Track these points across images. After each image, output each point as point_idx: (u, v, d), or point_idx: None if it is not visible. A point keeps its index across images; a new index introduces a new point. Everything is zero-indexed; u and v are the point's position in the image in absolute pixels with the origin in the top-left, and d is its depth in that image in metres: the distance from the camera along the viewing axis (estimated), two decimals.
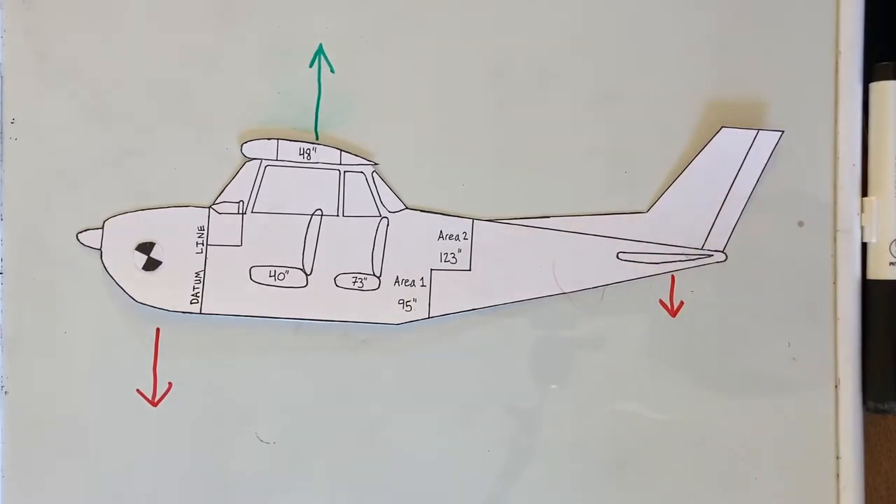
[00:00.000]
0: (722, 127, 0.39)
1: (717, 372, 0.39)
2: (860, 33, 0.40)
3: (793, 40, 0.40)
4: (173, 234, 0.39)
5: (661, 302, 0.40)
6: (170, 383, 0.39)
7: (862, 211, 0.40)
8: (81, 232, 0.39)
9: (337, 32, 0.39)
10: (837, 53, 0.40)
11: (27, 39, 0.39)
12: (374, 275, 0.39)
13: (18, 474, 0.39)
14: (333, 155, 0.39)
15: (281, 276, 0.39)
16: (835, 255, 0.40)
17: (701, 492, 0.39)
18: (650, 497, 0.40)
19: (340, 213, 0.39)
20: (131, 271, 0.39)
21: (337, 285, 0.39)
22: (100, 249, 0.39)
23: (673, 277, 0.39)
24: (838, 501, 0.39)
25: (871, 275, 0.39)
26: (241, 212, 0.39)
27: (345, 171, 0.39)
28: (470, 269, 0.39)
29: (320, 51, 0.39)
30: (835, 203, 0.40)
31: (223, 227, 0.39)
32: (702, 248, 0.39)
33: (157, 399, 0.39)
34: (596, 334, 0.40)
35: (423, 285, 0.39)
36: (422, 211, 0.39)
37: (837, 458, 0.39)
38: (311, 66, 0.39)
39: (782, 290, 0.39)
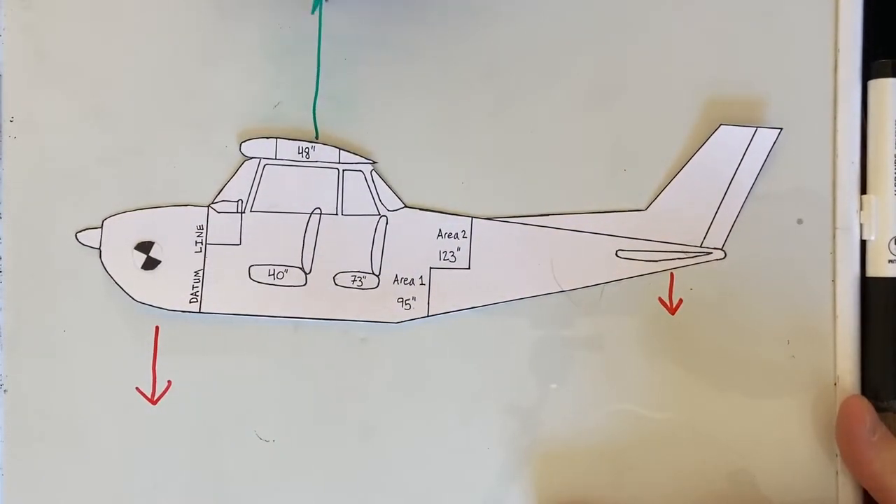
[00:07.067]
0: (720, 124, 0.39)
1: (716, 369, 0.39)
2: (859, 30, 0.40)
3: (791, 37, 0.40)
4: (172, 233, 0.39)
5: (661, 300, 0.40)
6: (169, 381, 0.39)
7: (861, 208, 0.40)
8: (80, 231, 0.39)
9: (336, 31, 0.39)
10: (836, 51, 0.40)
11: (26, 38, 0.39)
12: (373, 273, 0.39)
13: (18, 472, 0.39)
14: (332, 153, 0.39)
15: (280, 275, 0.39)
16: (833, 253, 0.40)
17: (699, 489, 0.39)
18: (649, 495, 0.39)
19: (339, 212, 0.39)
20: (130, 270, 0.39)
21: (336, 284, 0.39)
22: (99, 249, 0.39)
23: (672, 275, 0.39)
24: (838, 499, 0.39)
25: (871, 272, 0.39)
26: (240, 210, 0.39)
27: (343, 170, 0.39)
28: (469, 268, 0.39)
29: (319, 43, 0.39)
30: (833, 200, 0.40)
31: (222, 226, 0.39)
32: (700, 246, 0.39)
33: (156, 397, 0.39)
34: (595, 332, 0.40)
35: (422, 284, 0.39)
36: (421, 209, 0.39)
37: (836, 455, 0.39)
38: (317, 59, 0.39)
39: (781, 288, 0.39)
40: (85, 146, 0.39)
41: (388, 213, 0.39)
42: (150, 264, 0.39)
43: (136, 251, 0.39)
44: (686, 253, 0.39)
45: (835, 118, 0.40)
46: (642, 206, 0.40)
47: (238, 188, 0.39)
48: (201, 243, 0.39)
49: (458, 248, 0.39)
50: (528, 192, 0.40)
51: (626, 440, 0.40)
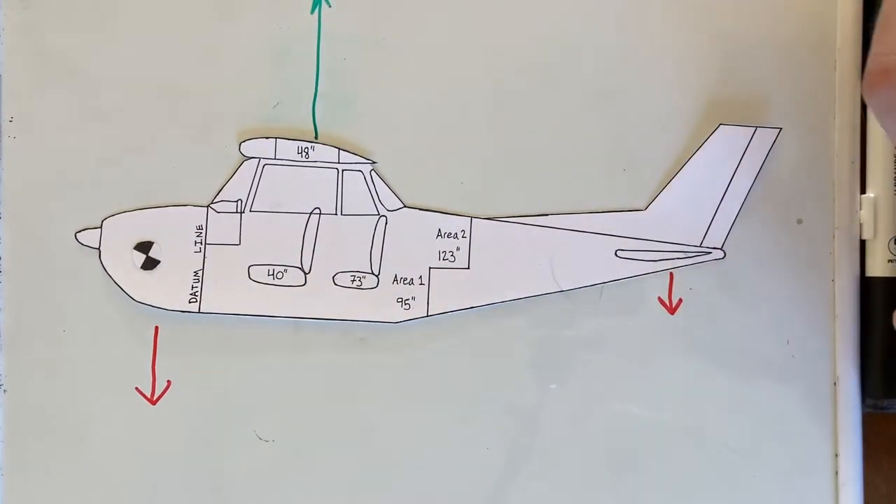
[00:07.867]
0: (720, 124, 0.39)
1: (716, 369, 0.39)
2: (859, 30, 0.40)
3: (791, 36, 0.40)
4: (172, 233, 0.39)
5: (660, 299, 0.40)
6: (168, 381, 0.39)
7: (861, 208, 0.40)
8: (80, 231, 0.39)
9: (336, 31, 0.39)
10: (836, 51, 0.40)
11: (26, 37, 0.39)
12: (372, 273, 0.39)
13: (18, 472, 0.39)
14: (331, 153, 0.39)
15: (279, 275, 0.39)
16: (833, 253, 0.39)
17: (699, 490, 0.39)
18: (648, 494, 0.39)
19: (339, 212, 0.39)
20: (130, 270, 0.39)
21: (335, 284, 0.39)
22: (98, 249, 0.39)
23: (671, 275, 0.39)
24: (837, 499, 0.39)
25: (870, 272, 0.39)
26: (239, 210, 0.39)
27: (343, 170, 0.39)
28: (468, 268, 0.39)
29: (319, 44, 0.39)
30: (833, 200, 0.40)
31: (221, 226, 0.39)
32: (700, 246, 0.39)
33: (155, 397, 0.39)
34: (595, 332, 0.40)
35: (421, 284, 0.39)
36: (420, 209, 0.39)
37: (836, 455, 0.39)
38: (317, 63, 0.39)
39: (781, 288, 0.39)
40: (84, 146, 0.39)
41: (387, 213, 0.39)
42: (150, 264, 0.39)
43: (135, 251, 0.39)
44: (686, 253, 0.39)
45: (834, 118, 0.40)
46: (642, 206, 0.40)
47: (237, 188, 0.39)
48: (201, 243, 0.39)
49: (458, 248, 0.39)
50: (528, 192, 0.40)
51: (626, 440, 0.40)
